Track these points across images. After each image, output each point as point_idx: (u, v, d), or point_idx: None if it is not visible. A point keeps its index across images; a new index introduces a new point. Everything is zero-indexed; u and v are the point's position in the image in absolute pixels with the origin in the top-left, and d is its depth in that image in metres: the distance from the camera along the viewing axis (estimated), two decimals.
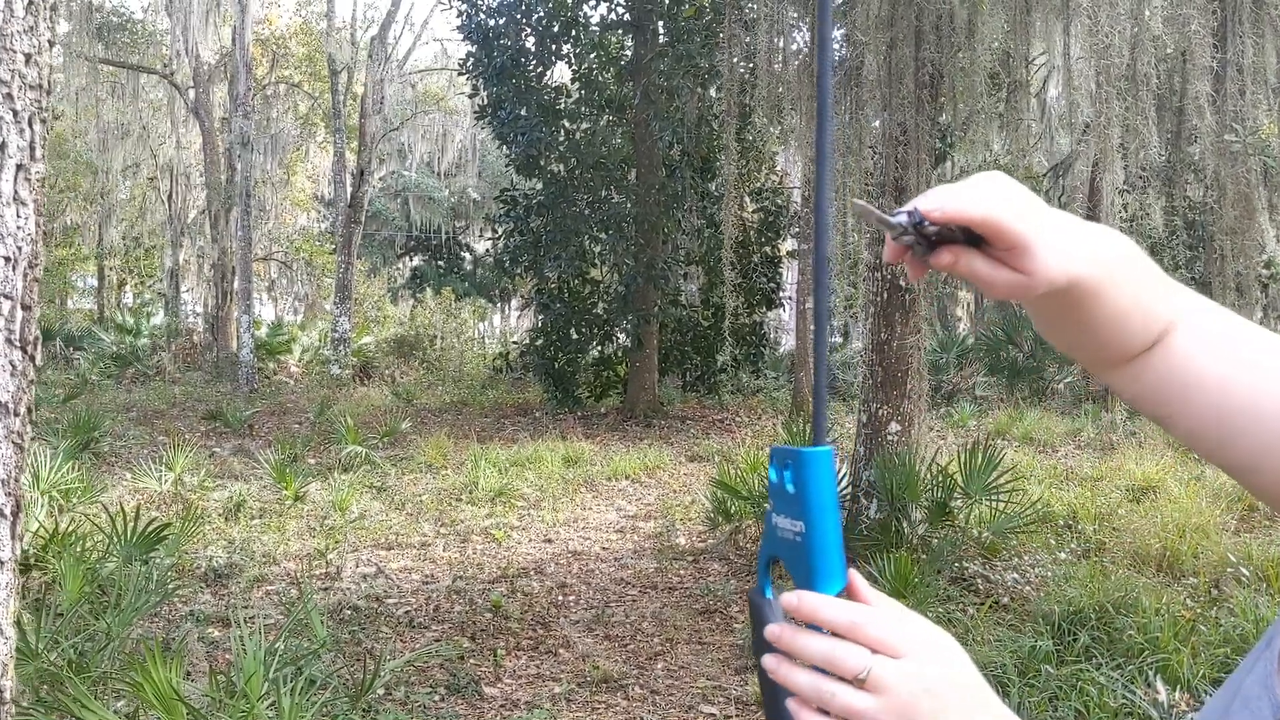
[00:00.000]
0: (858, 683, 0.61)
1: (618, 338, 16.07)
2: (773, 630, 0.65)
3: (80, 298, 30.95)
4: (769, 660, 0.65)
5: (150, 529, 5.51)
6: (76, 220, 26.45)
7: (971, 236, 0.64)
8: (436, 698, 4.42)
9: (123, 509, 5.79)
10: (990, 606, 5.42)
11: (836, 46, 6.93)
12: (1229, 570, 5.91)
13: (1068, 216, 0.69)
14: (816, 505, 0.64)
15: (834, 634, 0.63)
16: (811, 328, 15.80)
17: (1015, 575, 6.19)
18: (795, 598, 0.64)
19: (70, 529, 5.72)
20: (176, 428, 12.82)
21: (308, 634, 4.68)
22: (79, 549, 5.26)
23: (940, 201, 0.64)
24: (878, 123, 6.48)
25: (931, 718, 0.62)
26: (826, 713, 0.63)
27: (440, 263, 34.06)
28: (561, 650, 5.11)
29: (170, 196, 25.14)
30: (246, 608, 5.60)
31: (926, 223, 0.64)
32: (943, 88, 5.44)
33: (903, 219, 0.65)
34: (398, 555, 6.94)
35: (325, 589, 6.06)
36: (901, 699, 0.61)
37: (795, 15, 7.10)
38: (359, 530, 7.50)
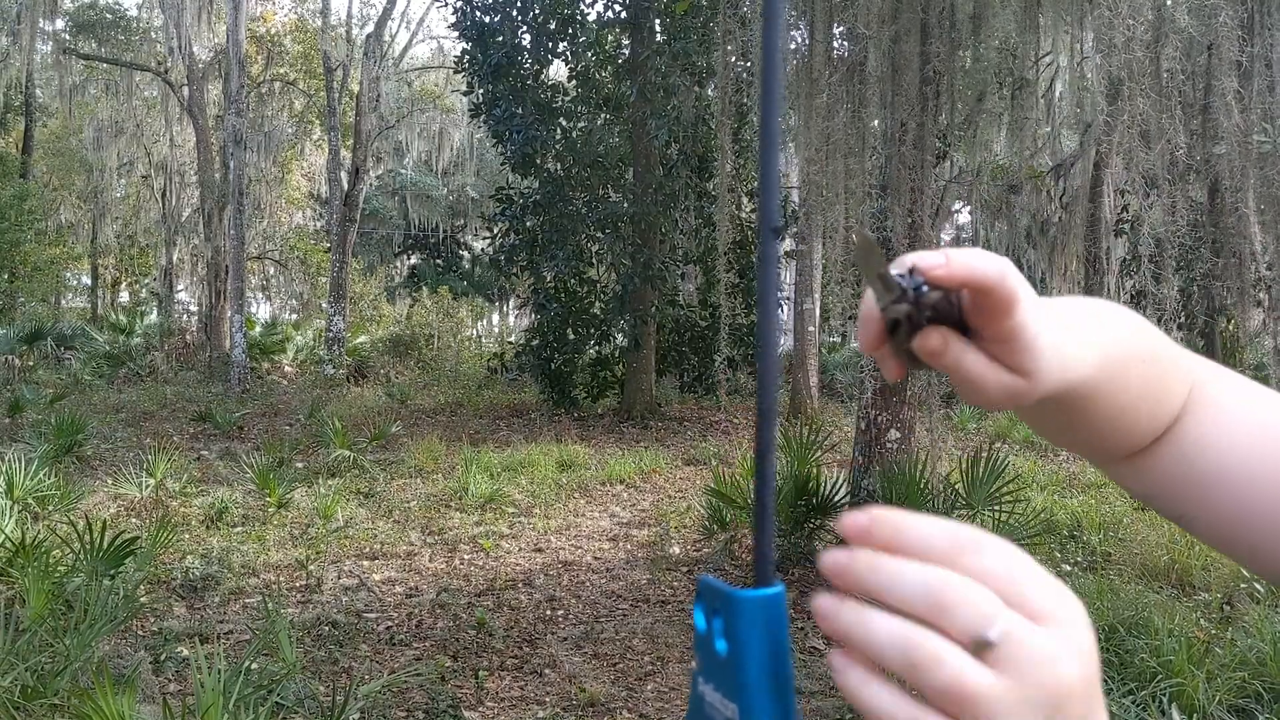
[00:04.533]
0: (976, 647, 0.37)
1: (615, 338, 15.87)
2: (834, 559, 0.40)
3: (75, 296, 30.74)
4: (822, 604, 0.40)
5: (117, 542, 5.29)
6: (70, 218, 26.23)
7: (963, 327, 0.50)
8: None
9: (88, 520, 5.57)
10: None
11: (837, 44, 6.73)
12: (1242, 585, 5.70)
13: (1061, 303, 0.55)
14: (757, 682, 0.41)
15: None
16: (810, 328, 15.49)
17: None
18: (866, 516, 0.41)
19: (38, 540, 5.51)
20: (165, 429, 12.62)
21: (282, 653, 4.48)
22: (46, 561, 5.05)
23: (945, 258, 0.46)
24: (876, 122, 6.28)
25: None
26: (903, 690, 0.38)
27: (438, 261, 33.90)
28: (547, 670, 4.90)
29: (164, 194, 24.93)
30: (221, 622, 5.40)
31: (925, 288, 0.46)
32: (943, 85, 5.23)
33: (902, 280, 0.47)
34: (382, 566, 6.73)
35: (304, 602, 5.85)
36: (1046, 689, 0.37)
37: (795, 13, 6.89)
38: (343, 540, 7.29)
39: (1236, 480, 0.59)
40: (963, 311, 0.49)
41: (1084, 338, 0.54)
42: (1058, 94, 13.74)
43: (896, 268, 0.48)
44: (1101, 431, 0.60)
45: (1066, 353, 0.52)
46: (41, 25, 21.38)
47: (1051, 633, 0.38)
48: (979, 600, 0.38)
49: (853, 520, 0.41)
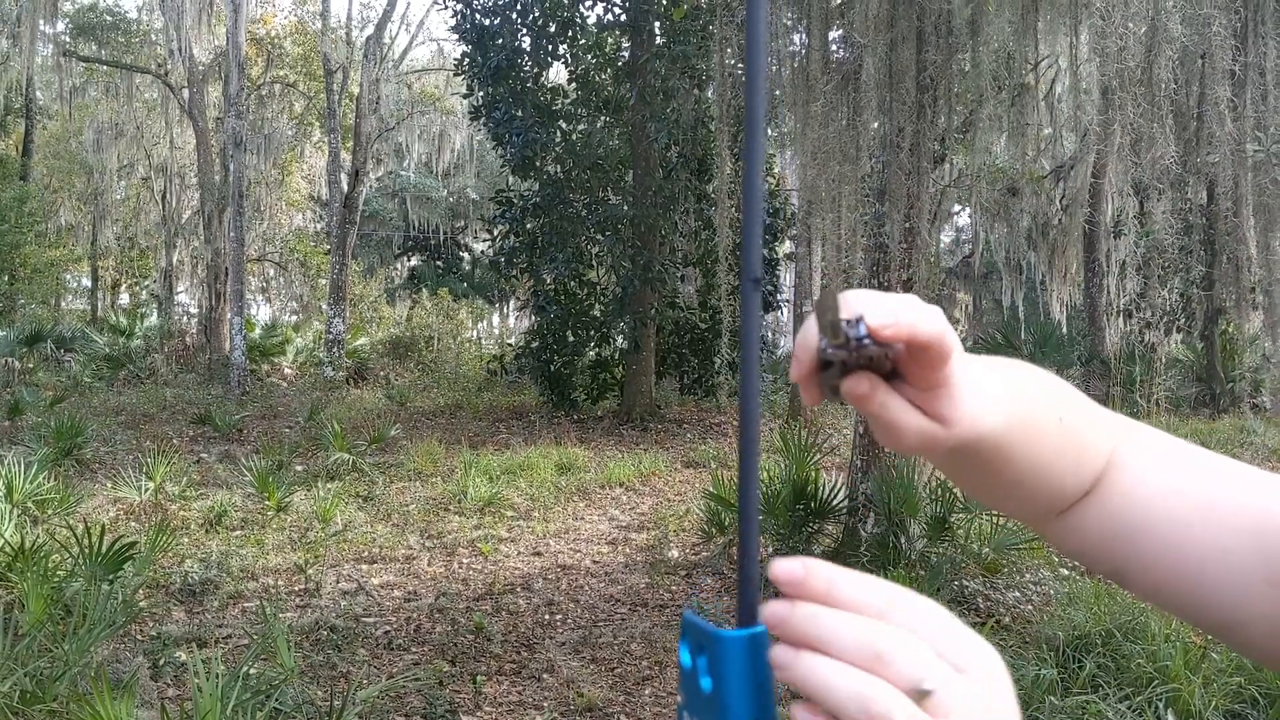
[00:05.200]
0: (916, 696, 0.39)
1: (614, 340, 15.88)
2: (774, 610, 0.42)
3: (74, 298, 30.75)
4: (780, 655, 0.42)
5: (115, 547, 5.30)
6: (70, 220, 26.24)
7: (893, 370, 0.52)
8: None
9: (87, 524, 5.58)
10: (991, 628, 5.23)
11: (834, 48, 6.74)
12: None
13: (977, 360, 0.58)
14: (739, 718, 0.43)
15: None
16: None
17: (1017, 594, 6.00)
18: (800, 565, 0.43)
19: (37, 544, 5.52)
20: (164, 432, 12.62)
21: (280, 658, 4.48)
22: (44, 566, 5.06)
23: (894, 318, 0.47)
24: (876, 125, 6.29)
25: None
26: None
27: (438, 263, 33.89)
28: (545, 675, 4.91)
29: (164, 197, 24.94)
30: (220, 627, 5.41)
31: (867, 340, 0.48)
32: (940, 90, 5.24)
33: (849, 330, 0.48)
34: (380, 570, 6.74)
35: (303, 606, 5.86)
36: None
37: (792, 17, 6.90)
38: (342, 543, 7.30)
39: (1165, 531, 0.61)
40: (895, 360, 0.51)
41: (994, 393, 0.56)
42: (1057, 96, 13.74)
43: (846, 311, 0.49)
44: (1023, 489, 0.61)
45: (986, 398, 0.54)
46: (42, 28, 21.40)
47: (977, 682, 0.41)
48: (915, 652, 0.40)
49: (787, 569, 0.43)
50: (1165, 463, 0.64)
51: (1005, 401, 0.57)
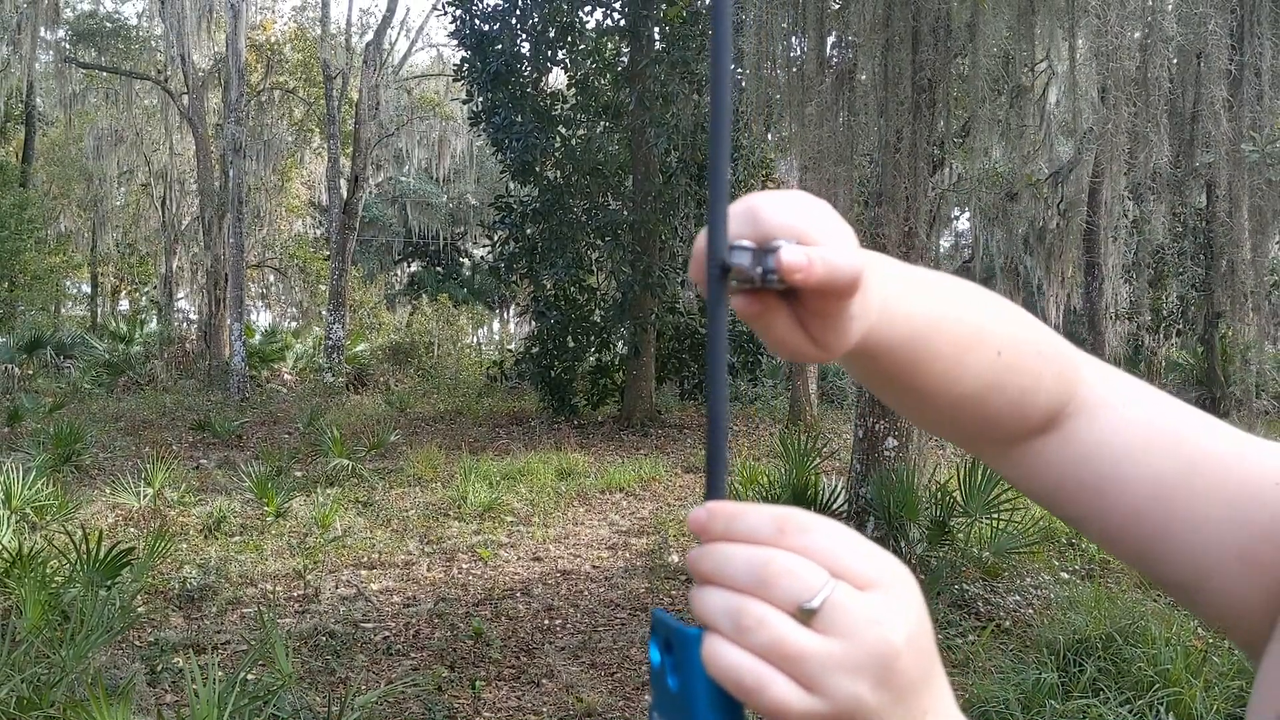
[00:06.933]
0: (801, 615, 0.40)
1: (615, 345, 15.89)
2: (691, 553, 0.44)
3: (74, 305, 30.76)
4: (691, 594, 0.43)
5: (113, 553, 5.29)
6: (70, 227, 26.27)
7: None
8: None
9: (84, 530, 5.57)
10: (991, 632, 5.21)
11: (831, 53, 6.74)
12: None
13: (905, 272, 0.55)
14: (706, 718, 0.41)
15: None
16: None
17: (1017, 598, 5.98)
18: (704, 511, 0.44)
19: (35, 550, 5.51)
20: (164, 438, 12.62)
21: (277, 664, 4.47)
22: (42, 572, 5.05)
23: (808, 260, 0.44)
24: (875, 129, 6.29)
25: (908, 688, 0.41)
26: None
27: (438, 268, 33.91)
28: (544, 680, 4.89)
29: (164, 203, 24.97)
30: (219, 633, 5.39)
31: (775, 278, 0.45)
32: (939, 93, 5.23)
33: (746, 263, 0.45)
34: (380, 575, 6.73)
35: (302, 612, 5.84)
36: (870, 649, 0.40)
37: (789, 22, 6.90)
38: (341, 549, 7.28)
39: (1130, 485, 0.59)
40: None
41: (902, 295, 0.53)
42: (1053, 100, 13.75)
43: (759, 226, 0.45)
44: (945, 410, 0.59)
45: (860, 329, 0.51)
46: (42, 34, 21.43)
47: (876, 598, 0.41)
48: (800, 572, 0.40)
49: (694, 516, 0.44)
50: (1136, 418, 0.60)
51: (909, 321, 0.54)
